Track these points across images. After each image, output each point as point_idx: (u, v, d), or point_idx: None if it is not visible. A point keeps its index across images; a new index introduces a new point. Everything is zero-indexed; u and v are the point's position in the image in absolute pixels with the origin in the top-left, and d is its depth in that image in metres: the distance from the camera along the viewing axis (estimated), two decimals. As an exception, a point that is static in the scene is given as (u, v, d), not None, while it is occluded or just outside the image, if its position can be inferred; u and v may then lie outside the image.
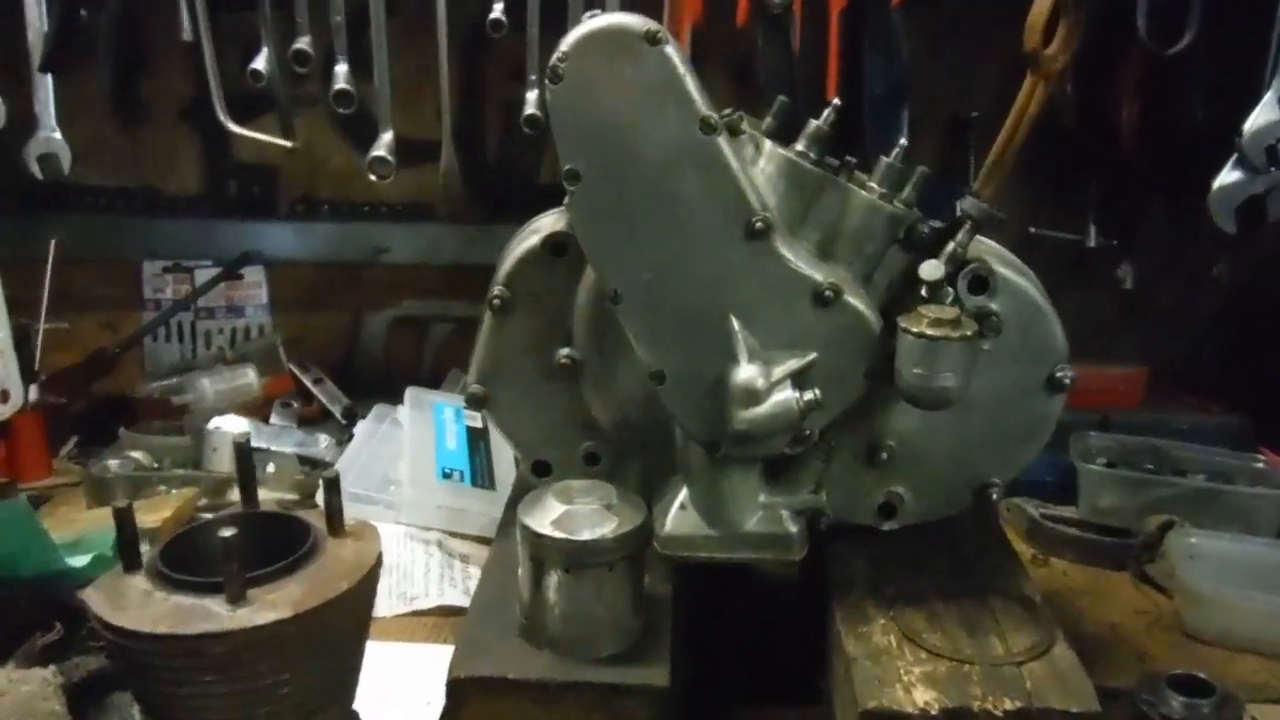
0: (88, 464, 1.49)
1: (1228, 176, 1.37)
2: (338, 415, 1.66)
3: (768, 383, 0.93)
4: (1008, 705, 0.83)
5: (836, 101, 0.95)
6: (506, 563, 0.98)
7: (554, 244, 1.02)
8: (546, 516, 0.89)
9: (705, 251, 0.93)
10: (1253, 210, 1.38)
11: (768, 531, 1.02)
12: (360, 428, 1.51)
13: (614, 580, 0.89)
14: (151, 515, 1.31)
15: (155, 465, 1.49)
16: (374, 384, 1.76)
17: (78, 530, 1.24)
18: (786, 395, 0.92)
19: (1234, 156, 1.36)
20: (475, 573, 1.28)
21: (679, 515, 1.03)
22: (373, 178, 1.39)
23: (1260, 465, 1.42)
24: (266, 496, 1.46)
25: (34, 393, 1.48)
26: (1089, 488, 1.39)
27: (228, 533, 0.77)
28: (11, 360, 1.07)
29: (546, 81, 0.89)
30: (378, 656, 0.90)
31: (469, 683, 0.87)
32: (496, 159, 1.82)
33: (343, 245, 1.82)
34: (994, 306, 0.98)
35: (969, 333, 0.90)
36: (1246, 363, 1.63)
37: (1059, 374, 1.01)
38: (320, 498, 0.91)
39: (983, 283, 0.97)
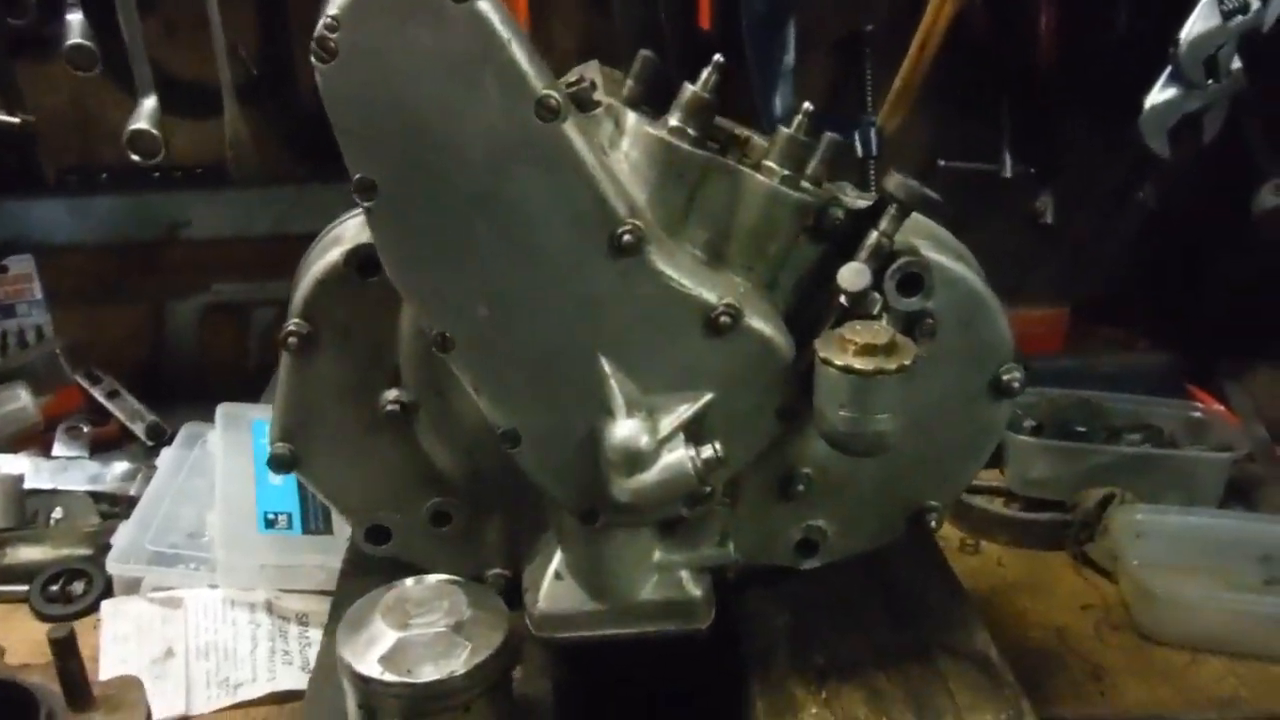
0: None
1: (1161, 94, 1.19)
2: (141, 435, 1.37)
3: (653, 440, 0.71)
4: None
5: (719, 58, 0.71)
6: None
7: (361, 260, 0.76)
8: (375, 649, 0.67)
9: (557, 275, 0.69)
10: (1188, 130, 1.21)
11: (666, 599, 0.82)
12: (164, 458, 1.24)
13: (471, 722, 0.68)
14: (-106, 607, 1.04)
15: (-96, 528, 1.20)
16: (189, 390, 1.46)
17: None
18: (679, 456, 0.71)
19: (1167, 70, 1.18)
20: (316, 636, 1.05)
21: (555, 587, 0.82)
22: (135, 158, 1.08)
23: (1197, 415, 1.30)
24: (50, 555, 1.20)
25: None
26: (1017, 458, 1.24)
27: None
28: None
29: (313, 59, 0.63)
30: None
31: None
32: (312, 99, 1.53)
33: (132, 221, 1.48)
34: (929, 305, 0.78)
35: (908, 361, 0.69)
36: (1171, 293, 1.50)
37: (1005, 376, 0.82)
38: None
39: (916, 281, 0.76)
